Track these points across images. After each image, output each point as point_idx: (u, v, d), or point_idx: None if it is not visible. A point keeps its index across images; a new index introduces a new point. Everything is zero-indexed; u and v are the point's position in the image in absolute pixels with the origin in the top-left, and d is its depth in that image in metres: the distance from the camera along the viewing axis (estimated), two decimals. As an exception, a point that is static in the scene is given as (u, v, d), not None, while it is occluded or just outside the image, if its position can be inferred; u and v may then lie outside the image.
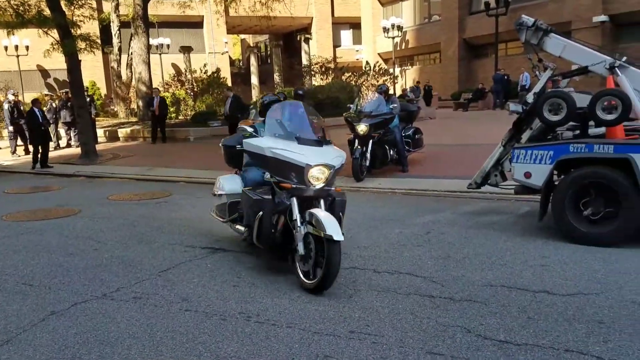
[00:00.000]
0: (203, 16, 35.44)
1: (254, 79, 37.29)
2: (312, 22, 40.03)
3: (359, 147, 9.56)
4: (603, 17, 25.04)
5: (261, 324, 3.82)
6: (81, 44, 15.63)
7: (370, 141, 9.62)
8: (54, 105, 18.91)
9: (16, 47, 27.72)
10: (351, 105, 10.47)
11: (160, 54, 31.12)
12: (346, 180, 9.29)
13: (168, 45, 32.25)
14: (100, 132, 20.18)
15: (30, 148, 15.17)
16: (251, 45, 46.81)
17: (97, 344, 3.59)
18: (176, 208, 8.31)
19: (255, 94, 33.39)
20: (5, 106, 17.54)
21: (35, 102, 14.97)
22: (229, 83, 28.96)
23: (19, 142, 17.75)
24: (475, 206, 7.53)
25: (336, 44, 41.36)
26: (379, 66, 27.93)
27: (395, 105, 10.32)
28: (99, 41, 17.77)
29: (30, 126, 14.82)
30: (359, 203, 7.76)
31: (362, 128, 9.48)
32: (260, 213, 4.60)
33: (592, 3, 25.52)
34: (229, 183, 5.51)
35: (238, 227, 5.29)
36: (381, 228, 6.49)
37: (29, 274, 5.18)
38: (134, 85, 24.10)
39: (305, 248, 4.40)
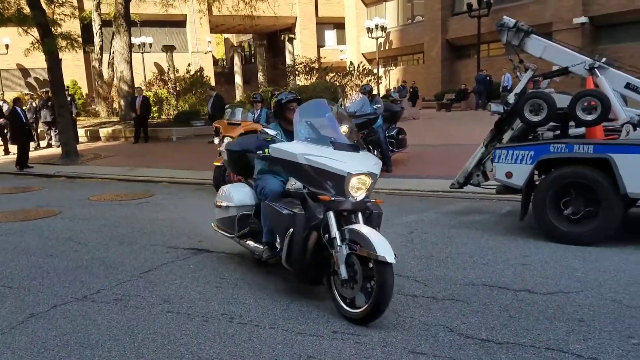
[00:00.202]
0: (186, 15, 35.18)
1: (238, 79, 37.14)
2: (296, 21, 39.98)
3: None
4: (583, 19, 25.36)
5: (244, 325, 3.80)
6: (62, 43, 15.44)
7: (354, 141, 9.65)
8: (34, 104, 18.65)
9: (-4, 46, 27.33)
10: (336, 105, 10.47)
11: (142, 53, 30.83)
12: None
13: (150, 44, 31.95)
14: (81, 132, 19.96)
15: (11, 148, 14.94)
16: (235, 44, 46.61)
17: (77, 347, 3.54)
18: (158, 208, 8.25)
19: (239, 93, 33.27)
20: None
21: (17, 101, 14.77)
22: (213, 82, 28.83)
23: (-1, 141, 17.50)
24: (457, 206, 7.58)
25: (320, 44, 41.35)
26: (363, 66, 27.95)
27: (379, 105, 10.36)
28: (80, 40, 17.60)
29: (14, 126, 14.61)
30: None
31: (344, 129, 9.46)
32: (291, 230, 4.02)
33: (573, 5, 25.84)
34: (239, 194, 4.94)
35: (250, 243, 4.78)
36: (364, 228, 6.49)
37: (8, 276, 5.10)
38: (115, 84, 23.87)
39: (349, 271, 3.77)
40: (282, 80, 29.92)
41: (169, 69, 27.35)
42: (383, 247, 3.59)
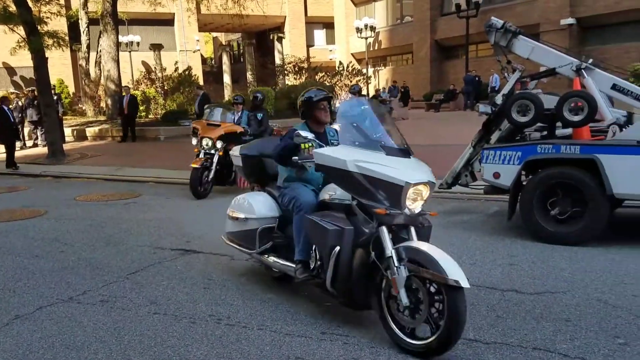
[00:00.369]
0: (174, 13, 35.01)
1: (227, 78, 36.99)
2: (285, 21, 39.92)
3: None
4: (570, 20, 25.58)
5: (232, 327, 3.78)
6: (48, 41, 15.29)
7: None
8: (20, 103, 18.45)
9: (-20, 44, 26.97)
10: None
11: (130, 52, 30.64)
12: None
13: (138, 43, 31.76)
14: (68, 131, 19.76)
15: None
16: (223, 43, 46.42)
17: (62, 349, 3.50)
18: (145, 209, 8.19)
19: (227, 92, 33.14)
20: None
21: (4, 100, 14.58)
22: (201, 81, 28.70)
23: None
24: (446, 206, 7.60)
25: (309, 44, 41.34)
26: (352, 66, 28.04)
27: (367, 106, 10.41)
28: (66, 38, 17.41)
29: (1, 126, 14.43)
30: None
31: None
32: (338, 248, 3.53)
33: (560, 6, 26.04)
34: (260, 205, 4.41)
35: (274, 260, 4.29)
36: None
37: (-8, 277, 5.04)
38: (102, 83, 23.68)
39: (410, 296, 3.27)
40: (271, 79, 29.89)
41: (155, 67, 27.19)
42: (453, 269, 3.13)
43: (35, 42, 14.16)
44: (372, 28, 33.70)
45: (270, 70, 32.07)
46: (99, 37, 22.25)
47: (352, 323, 3.78)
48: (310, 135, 3.86)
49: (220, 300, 4.30)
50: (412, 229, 3.50)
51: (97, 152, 16.08)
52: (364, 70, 29.88)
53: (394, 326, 3.41)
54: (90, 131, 20.28)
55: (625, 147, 5.29)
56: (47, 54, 15.06)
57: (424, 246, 3.36)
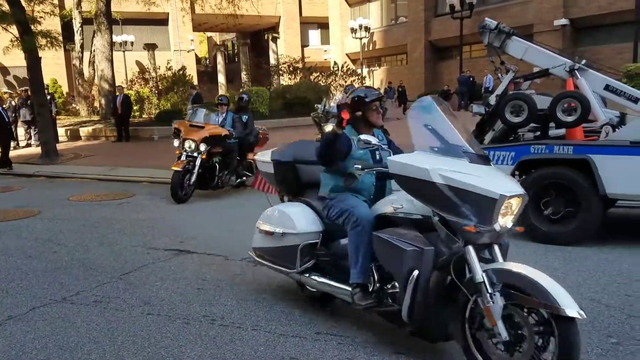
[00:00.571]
0: (168, 13, 34.90)
1: (221, 78, 36.96)
2: (280, 21, 39.91)
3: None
4: (564, 21, 25.69)
5: (226, 327, 3.78)
6: (41, 41, 15.23)
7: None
8: (13, 103, 18.36)
9: (-27, 43, 26.83)
10: (319, 106, 10.48)
11: (124, 51, 30.52)
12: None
13: (132, 43, 31.66)
14: (61, 131, 19.68)
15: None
16: (218, 43, 46.34)
17: (56, 349, 3.49)
18: (139, 209, 8.17)
19: (222, 92, 33.11)
20: None
21: None
22: (195, 81, 28.62)
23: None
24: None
25: (304, 44, 41.34)
26: (347, 67, 28.03)
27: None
28: (60, 38, 17.38)
29: None
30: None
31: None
32: (416, 272, 3.07)
33: (554, 7, 26.15)
34: (302, 218, 3.88)
35: (321, 281, 3.77)
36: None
37: (-15, 278, 5.01)
38: (96, 83, 23.59)
39: (510, 330, 2.81)
40: (266, 79, 29.86)
41: (149, 68, 27.10)
42: (564, 297, 2.69)
43: (29, 42, 14.09)
44: (367, 28, 33.77)
45: (265, 70, 32.04)
46: (93, 36, 22.16)
47: (346, 323, 3.78)
48: (373, 140, 3.44)
49: (214, 300, 4.29)
50: (497, 248, 3.07)
51: (90, 152, 16.01)
52: (359, 71, 29.90)
53: None
54: (83, 131, 20.21)
55: (618, 148, 5.31)
56: (41, 53, 14.99)
57: (519, 268, 2.89)
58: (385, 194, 3.72)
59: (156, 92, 23.10)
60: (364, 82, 29.80)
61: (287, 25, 40.01)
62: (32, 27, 14.83)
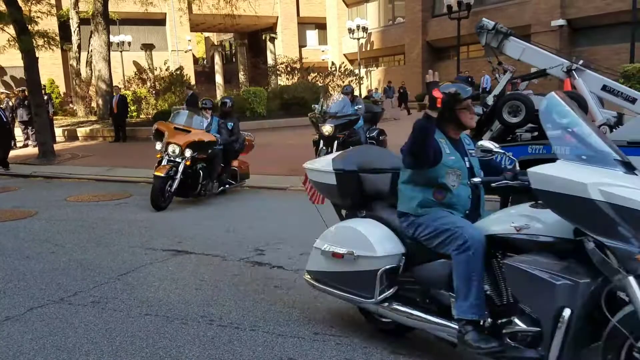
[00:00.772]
0: (165, 13, 34.94)
1: (219, 78, 36.97)
2: (278, 21, 39.94)
3: (324, 147, 9.59)
4: (561, 21, 25.78)
5: (224, 328, 3.78)
6: (39, 41, 15.20)
7: (335, 142, 9.64)
8: (10, 103, 18.32)
9: (-30, 43, 26.77)
10: (316, 106, 10.48)
11: (121, 52, 30.53)
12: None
13: (129, 43, 31.66)
14: (58, 132, 19.65)
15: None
16: (215, 43, 46.36)
17: (53, 350, 3.49)
18: (136, 209, 8.15)
19: (219, 93, 33.11)
20: None
21: None
22: (193, 81, 28.65)
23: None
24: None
25: (302, 44, 41.39)
26: (344, 67, 28.07)
27: (360, 106, 10.41)
28: (57, 38, 17.34)
29: None
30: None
31: (327, 129, 9.52)
32: (569, 312, 2.52)
33: (551, 7, 26.24)
34: (381, 238, 3.32)
35: (411, 313, 3.19)
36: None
37: (-18, 279, 5.00)
38: (93, 83, 23.59)
39: None
40: (264, 80, 29.89)
41: (148, 67, 27.11)
42: None
43: (26, 42, 14.06)
44: (364, 29, 33.80)
45: (263, 71, 32.06)
46: (90, 37, 22.14)
47: (344, 324, 3.79)
48: (495, 146, 2.97)
49: (212, 301, 4.29)
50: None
51: (88, 153, 15.99)
52: (356, 71, 29.94)
53: None
54: (81, 131, 20.19)
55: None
56: (38, 54, 14.97)
57: None
58: (480, 208, 3.25)
59: (154, 92, 23.09)
60: (361, 82, 29.88)
61: (284, 25, 40.04)
62: (29, 27, 14.80)
